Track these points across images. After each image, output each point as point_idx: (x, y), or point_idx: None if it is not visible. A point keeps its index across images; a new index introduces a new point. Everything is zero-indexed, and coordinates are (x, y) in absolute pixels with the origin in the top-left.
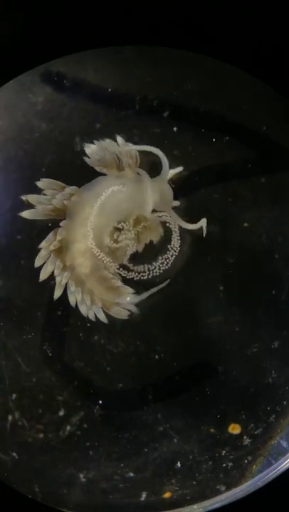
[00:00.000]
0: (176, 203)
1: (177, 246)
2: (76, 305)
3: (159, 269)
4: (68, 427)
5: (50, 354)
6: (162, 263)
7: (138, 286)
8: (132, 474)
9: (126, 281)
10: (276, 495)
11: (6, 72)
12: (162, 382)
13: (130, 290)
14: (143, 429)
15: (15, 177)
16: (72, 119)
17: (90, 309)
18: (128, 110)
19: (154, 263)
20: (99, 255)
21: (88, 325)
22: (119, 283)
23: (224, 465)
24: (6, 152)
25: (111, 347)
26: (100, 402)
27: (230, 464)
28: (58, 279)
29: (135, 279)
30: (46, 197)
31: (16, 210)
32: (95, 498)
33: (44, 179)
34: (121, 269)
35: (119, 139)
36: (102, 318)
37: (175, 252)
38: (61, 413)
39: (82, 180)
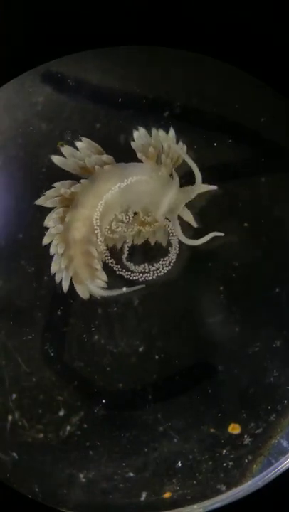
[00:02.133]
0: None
1: (173, 258)
2: (60, 281)
3: (153, 273)
4: (68, 427)
5: (51, 354)
6: (157, 269)
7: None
8: (132, 474)
9: (115, 275)
10: (276, 495)
11: (6, 72)
12: (162, 382)
13: (104, 279)
14: (143, 429)
15: (15, 177)
16: (72, 119)
17: (60, 272)
18: (128, 110)
19: (148, 266)
20: (96, 230)
21: (88, 325)
22: (99, 266)
23: (224, 465)
24: (6, 152)
25: (111, 347)
26: (100, 402)
27: (230, 464)
28: (51, 229)
29: (125, 277)
30: (81, 154)
31: (16, 210)
32: (95, 498)
33: (85, 139)
34: (113, 261)
35: (171, 132)
36: (65, 287)
37: (169, 263)
38: (61, 413)
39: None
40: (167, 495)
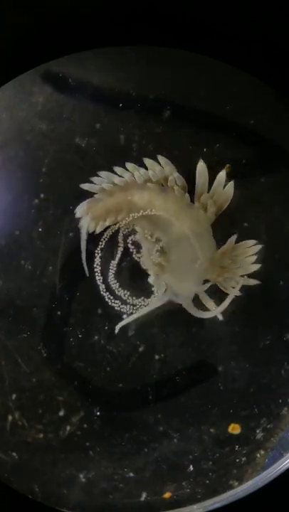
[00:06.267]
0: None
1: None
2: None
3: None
4: (68, 427)
5: (50, 354)
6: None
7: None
8: (132, 474)
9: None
10: (276, 495)
11: (6, 72)
12: (162, 382)
13: None
14: (143, 429)
15: (15, 177)
16: (72, 119)
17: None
18: (128, 110)
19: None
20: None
21: (88, 325)
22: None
23: (224, 465)
24: (6, 152)
25: (111, 347)
26: (100, 402)
27: (230, 464)
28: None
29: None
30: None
31: (16, 210)
32: (95, 498)
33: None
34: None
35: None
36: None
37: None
38: (61, 413)
39: (83, 180)
40: (167, 495)
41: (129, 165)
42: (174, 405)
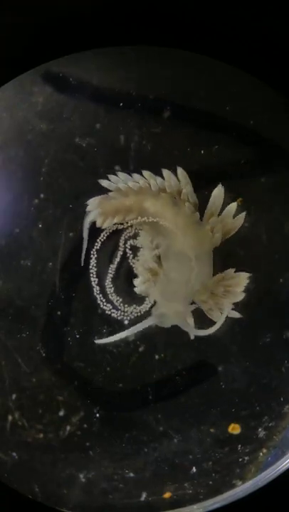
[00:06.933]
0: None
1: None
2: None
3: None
4: (68, 427)
5: (50, 354)
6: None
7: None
8: (132, 474)
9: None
10: (276, 495)
11: (6, 72)
12: (162, 382)
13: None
14: (143, 429)
15: (15, 177)
16: (72, 119)
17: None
18: (128, 110)
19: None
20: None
21: (88, 325)
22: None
23: (224, 465)
24: (6, 152)
25: (111, 347)
26: (100, 402)
27: (230, 464)
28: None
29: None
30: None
31: (16, 209)
32: (95, 498)
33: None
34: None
35: None
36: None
37: None
38: (61, 413)
39: (82, 180)
40: (167, 495)
41: (145, 172)
42: (174, 405)
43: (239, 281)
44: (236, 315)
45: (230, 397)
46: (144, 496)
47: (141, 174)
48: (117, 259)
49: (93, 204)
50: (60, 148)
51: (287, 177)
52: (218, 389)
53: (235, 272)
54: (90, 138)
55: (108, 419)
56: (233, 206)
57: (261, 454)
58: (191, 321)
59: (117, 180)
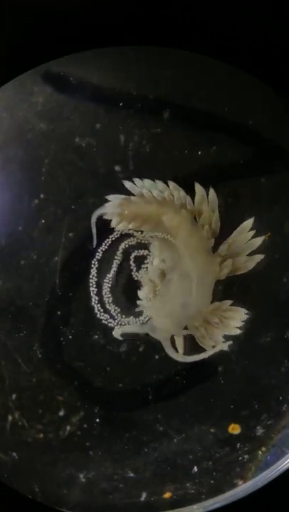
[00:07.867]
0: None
1: None
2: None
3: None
4: (68, 427)
5: (50, 354)
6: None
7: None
8: (132, 474)
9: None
10: (276, 495)
11: (6, 72)
12: (162, 382)
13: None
14: (143, 429)
15: (15, 177)
16: (72, 119)
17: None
18: (128, 110)
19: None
20: None
21: (88, 325)
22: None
23: (224, 465)
24: (6, 152)
25: (111, 347)
26: (100, 402)
27: (230, 464)
28: None
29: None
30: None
31: (16, 210)
32: (95, 498)
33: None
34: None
35: None
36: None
37: None
38: (61, 413)
39: (82, 180)
40: (167, 495)
41: (171, 183)
42: (174, 405)
43: (235, 315)
44: (224, 347)
45: (230, 397)
46: (144, 495)
47: (140, 174)
48: (114, 269)
49: (114, 202)
50: (60, 148)
51: (287, 177)
52: (218, 389)
53: (232, 305)
54: (90, 138)
55: (108, 419)
56: (255, 242)
57: (260, 452)
58: (180, 344)
59: (142, 186)
